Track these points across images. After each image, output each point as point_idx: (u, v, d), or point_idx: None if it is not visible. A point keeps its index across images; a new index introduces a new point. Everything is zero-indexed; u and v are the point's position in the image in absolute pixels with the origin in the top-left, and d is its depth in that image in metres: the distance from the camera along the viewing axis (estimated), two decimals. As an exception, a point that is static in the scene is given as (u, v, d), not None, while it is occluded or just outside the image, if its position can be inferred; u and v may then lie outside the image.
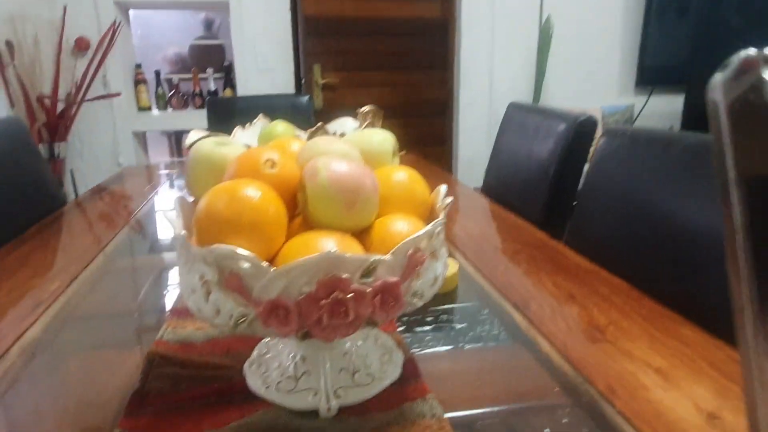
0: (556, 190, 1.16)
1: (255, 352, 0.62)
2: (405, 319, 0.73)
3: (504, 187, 1.34)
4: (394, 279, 0.45)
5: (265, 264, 0.42)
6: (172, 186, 1.58)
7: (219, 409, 0.54)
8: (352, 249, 0.46)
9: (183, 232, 0.46)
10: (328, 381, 0.53)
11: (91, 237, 1.12)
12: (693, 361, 0.61)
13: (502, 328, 0.72)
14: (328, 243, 0.45)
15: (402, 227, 0.50)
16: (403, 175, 0.56)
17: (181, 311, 0.75)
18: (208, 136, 0.77)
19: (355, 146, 0.58)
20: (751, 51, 0.18)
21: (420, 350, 0.66)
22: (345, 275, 0.42)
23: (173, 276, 0.91)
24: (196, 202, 0.59)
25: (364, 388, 0.54)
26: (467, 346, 0.67)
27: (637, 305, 0.75)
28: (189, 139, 0.79)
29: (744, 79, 0.18)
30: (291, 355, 0.57)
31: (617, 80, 3.04)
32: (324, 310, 0.42)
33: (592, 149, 1.19)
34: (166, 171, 1.87)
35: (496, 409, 0.55)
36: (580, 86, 2.99)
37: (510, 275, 0.87)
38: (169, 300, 0.81)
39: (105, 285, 0.89)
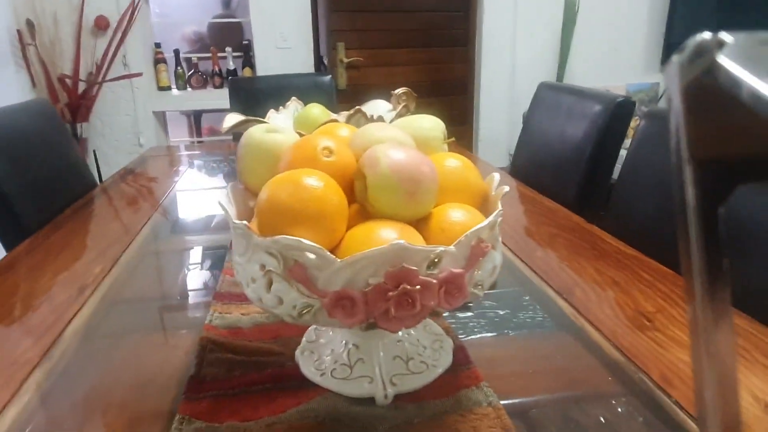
0: (591, 173, 1.14)
1: (304, 339, 0.62)
2: (448, 304, 0.73)
3: (535, 169, 1.32)
4: (459, 270, 0.44)
5: (331, 255, 0.42)
6: (193, 167, 1.59)
7: (275, 395, 0.54)
8: (415, 239, 0.46)
9: (243, 221, 0.46)
10: (383, 369, 0.54)
11: (124, 220, 1.13)
12: (746, 351, 0.60)
13: (546, 314, 0.71)
14: (391, 233, 0.45)
15: (460, 217, 0.50)
16: (457, 163, 0.56)
17: (224, 295, 0.75)
18: (246, 120, 0.77)
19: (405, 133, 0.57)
20: (706, 34, 0.18)
21: (466, 337, 0.66)
22: (412, 266, 0.42)
23: (208, 258, 0.92)
24: (247, 189, 0.59)
25: (419, 376, 0.54)
26: (512, 333, 0.67)
27: (682, 292, 0.74)
28: (226, 122, 0.79)
29: (698, 62, 0.18)
30: (343, 343, 0.57)
31: (643, 57, 2.97)
32: (392, 301, 0.42)
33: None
34: (187, 152, 1.87)
35: (549, 396, 0.55)
36: (604, 63, 2.93)
37: (549, 260, 0.86)
38: (204, 281, 0.82)
39: (144, 268, 0.90)
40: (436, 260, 0.43)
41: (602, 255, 0.87)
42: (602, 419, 0.51)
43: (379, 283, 0.42)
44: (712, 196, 0.19)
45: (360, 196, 0.49)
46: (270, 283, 0.45)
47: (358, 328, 0.45)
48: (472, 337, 0.66)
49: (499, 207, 0.50)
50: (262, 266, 0.45)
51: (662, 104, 2.93)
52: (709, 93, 0.18)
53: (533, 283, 0.80)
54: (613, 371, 0.59)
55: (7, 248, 1.10)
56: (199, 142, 3.42)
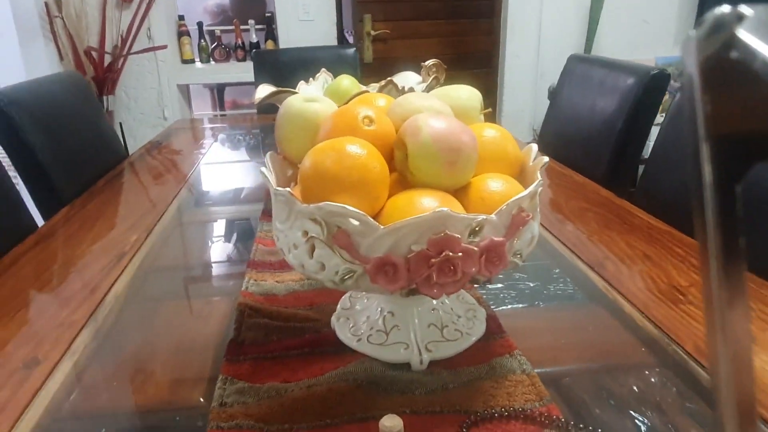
0: (621, 148, 1.13)
1: (339, 306, 0.63)
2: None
3: (564, 144, 1.31)
4: (499, 239, 0.45)
5: (374, 222, 0.43)
6: (217, 141, 1.60)
7: (312, 359, 0.56)
8: (456, 208, 0.46)
9: (287, 189, 0.47)
10: (419, 335, 0.55)
11: (154, 192, 1.15)
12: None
13: (577, 287, 0.72)
14: (432, 202, 0.45)
15: (500, 186, 0.50)
16: (495, 133, 0.55)
17: (258, 264, 0.77)
18: (278, 91, 0.77)
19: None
20: (726, 8, 0.17)
21: (497, 308, 0.66)
22: (454, 234, 0.42)
23: (239, 229, 0.94)
24: (285, 158, 0.59)
25: (453, 343, 0.55)
26: (543, 305, 0.68)
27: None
28: (258, 93, 0.79)
29: (717, 36, 0.17)
30: (379, 310, 0.58)
31: (674, 29, 2.88)
32: (434, 268, 0.42)
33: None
34: (211, 125, 1.89)
35: (581, 366, 0.56)
36: (634, 36, 2.85)
37: (579, 234, 0.86)
38: (237, 250, 0.83)
39: (177, 238, 0.92)
40: (477, 228, 0.44)
41: (633, 229, 0.86)
42: (635, 388, 0.52)
43: (422, 250, 0.42)
44: (730, 173, 0.19)
45: (400, 165, 0.49)
46: (312, 250, 0.46)
47: (397, 294, 0.46)
48: (504, 308, 0.66)
49: (539, 177, 0.50)
50: (305, 233, 0.46)
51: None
52: (727, 68, 0.17)
53: (563, 256, 0.80)
54: (645, 343, 0.59)
55: (44, 216, 1.13)
56: (222, 115, 3.43)
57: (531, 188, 0.47)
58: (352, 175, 0.45)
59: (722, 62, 0.17)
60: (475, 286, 0.71)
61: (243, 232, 0.93)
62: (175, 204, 1.05)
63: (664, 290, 0.68)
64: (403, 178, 0.50)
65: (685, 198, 0.94)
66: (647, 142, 1.14)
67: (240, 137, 1.65)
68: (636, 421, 0.47)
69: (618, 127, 1.13)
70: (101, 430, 0.48)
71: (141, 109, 2.77)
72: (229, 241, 0.90)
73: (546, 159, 0.53)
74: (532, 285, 0.72)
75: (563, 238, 0.84)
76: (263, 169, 0.52)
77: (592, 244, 0.82)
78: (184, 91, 2.93)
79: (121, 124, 2.69)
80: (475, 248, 0.43)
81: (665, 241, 0.82)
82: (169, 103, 2.78)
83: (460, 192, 0.50)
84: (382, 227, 0.43)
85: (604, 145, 1.15)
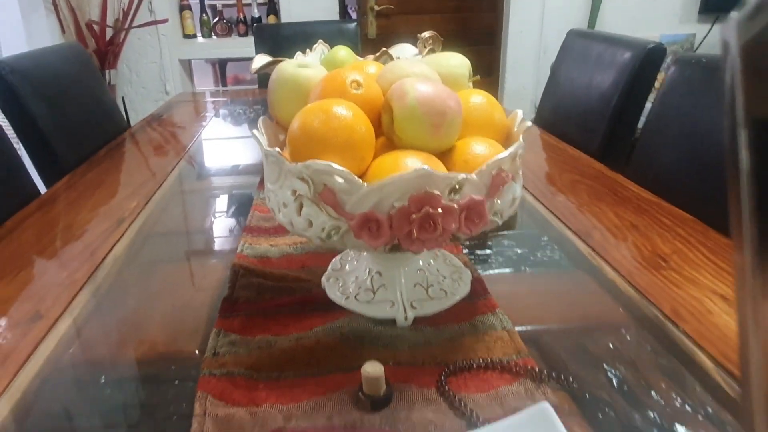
0: (617, 121, 1.13)
1: (330, 267, 0.65)
2: (467, 243, 0.76)
3: (561, 119, 1.31)
4: (479, 197, 0.46)
5: (358, 179, 0.45)
6: (218, 116, 1.61)
7: (303, 316, 0.58)
8: (438, 168, 0.48)
9: (276, 149, 0.49)
10: (404, 293, 0.57)
11: (156, 161, 1.17)
12: None
13: (564, 254, 0.73)
14: (415, 162, 0.47)
15: (483, 150, 0.51)
16: (482, 99, 0.57)
17: (254, 229, 0.79)
18: (275, 61, 0.78)
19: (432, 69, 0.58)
20: None
21: (483, 272, 0.68)
22: (435, 192, 0.44)
23: (236, 198, 0.96)
24: (278, 122, 0.61)
25: (438, 301, 0.58)
26: (529, 270, 0.70)
27: (702, 237, 0.75)
28: (255, 63, 0.80)
29: (759, 18, 0.17)
30: (367, 270, 0.60)
31: (680, 6, 2.85)
32: (415, 224, 0.44)
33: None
34: (212, 99, 1.90)
35: (562, 326, 0.58)
36: (639, 13, 2.82)
37: (569, 204, 0.88)
38: (233, 217, 0.85)
39: (176, 205, 0.94)
40: (457, 187, 0.46)
41: (623, 201, 0.88)
42: (611, 346, 0.54)
43: (403, 206, 0.44)
44: None
45: (387, 128, 0.51)
46: (300, 207, 0.48)
47: (382, 250, 0.48)
48: (490, 272, 0.69)
49: (521, 140, 0.51)
50: (294, 191, 0.48)
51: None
52: None
53: (552, 226, 0.81)
54: (625, 306, 0.61)
55: (46, 184, 1.15)
56: (224, 90, 3.43)
57: (511, 149, 0.48)
58: (339, 135, 0.46)
59: (764, 46, 0.17)
60: (465, 251, 0.73)
61: (241, 201, 0.94)
62: (175, 173, 1.07)
63: (648, 257, 0.70)
64: (389, 143, 0.52)
65: (677, 171, 0.96)
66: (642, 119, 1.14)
67: (240, 111, 1.66)
68: (609, 374, 0.50)
69: (613, 101, 1.14)
70: (101, 377, 0.51)
71: (143, 83, 2.77)
72: (226, 209, 0.92)
73: (529, 123, 0.54)
74: (519, 251, 0.74)
75: (553, 209, 0.86)
76: (255, 131, 0.53)
77: (582, 215, 0.84)
78: (186, 66, 2.93)
79: (123, 98, 2.70)
80: (455, 206, 0.45)
81: (653, 212, 0.83)
82: (171, 77, 2.78)
83: (444, 155, 0.52)
84: (365, 185, 0.44)
85: (599, 120, 1.16)
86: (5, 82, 1.10)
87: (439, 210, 0.44)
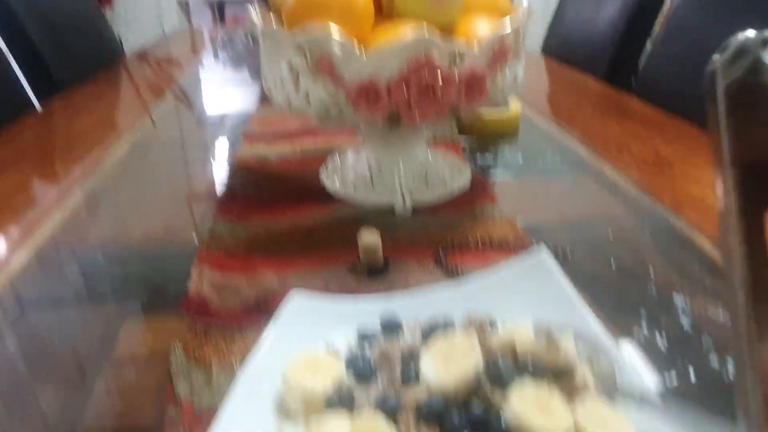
0: (623, 46, 1.10)
1: (329, 163, 0.65)
2: (468, 147, 0.75)
3: (567, 49, 1.28)
4: (480, 70, 0.45)
5: (356, 47, 0.43)
6: (217, 56, 1.57)
7: (302, 205, 0.58)
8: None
9: (270, 22, 0.47)
10: (403, 182, 0.56)
11: (153, 84, 1.15)
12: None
13: (566, 160, 0.73)
14: (417, 32, 0.45)
15: (485, 27, 0.50)
16: (485, -18, 0.55)
17: (251, 136, 0.78)
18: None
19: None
20: (750, 33, 0.17)
21: (485, 176, 0.67)
22: (435, 60, 0.43)
23: (233, 117, 0.94)
24: (273, 9, 0.59)
25: (437, 190, 0.57)
26: (531, 173, 0.69)
27: (705, 145, 0.74)
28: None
29: (741, 61, 0.17)
30: (366, 162, 0.59)
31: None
32: (413, 91, 0.43)
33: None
34: (209, 36, 1.85)
35: (561, 218, 0.58)
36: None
37: (574, 119, 0.86)
38: (230, 132, 0.84)
39: (174, 119, 0.93)
40: (458, 58, 0.44)
41: (627, 115, 0.87)
42: (611, 235, 0.54)
43: (402, 74, 0.43)
44: (757, 200, 0.18)
45: (388, 1, 0.49)
46: (297, 81, 0.47)
47: (381, 130, 0.47)
48: (492, 175, 0.68)
49: (524, 17, 0.49)
50: (290, 64, 0.47)
51: None
52: (752, 93, 0.17)
53: (555, 137, 0.80)
54: (626, 201, 0.60)
55: (40, 101, 1.14)
56: (223, 28, 3.35)
57: (514, 26, 0.47)
58: (337, 0, 0.45)
59: (747, 87, 0.17)
60: (463, 147, 0.72)
61: (240, 117, 0.93)
62: (171, 96, 1.06)
63: (652, 162, 0.69)
64: (392, 16, 0.50)
65: (685, 91, 0.93)
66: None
67: (238, 40, 1.62)
68: (609, 257, 0.50)
69: (621, 25, 1.10)
70: (99, 255, 0.51)
71: (140, 23, 2.71)
72: (225, 122, 0.91)
73: (529, 6, 0.52)
74: (521, 156, 0.73)
75: (557, 122, 0.85)
76: (250, 6, 0.52)
77: (585, 126, 0.82)
78: (184, 6, 2.86)
79: (120, 37, 2.64)
80: (456, 77, 0.44)
81: (657, 123, 0.82)
82: (169, 18, 2.72)
83: (446, 30, 0.50)
84: (364, 53, 0.43)
85: (606, 45, 1.13)
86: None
87: (439, 79, 0.43)
